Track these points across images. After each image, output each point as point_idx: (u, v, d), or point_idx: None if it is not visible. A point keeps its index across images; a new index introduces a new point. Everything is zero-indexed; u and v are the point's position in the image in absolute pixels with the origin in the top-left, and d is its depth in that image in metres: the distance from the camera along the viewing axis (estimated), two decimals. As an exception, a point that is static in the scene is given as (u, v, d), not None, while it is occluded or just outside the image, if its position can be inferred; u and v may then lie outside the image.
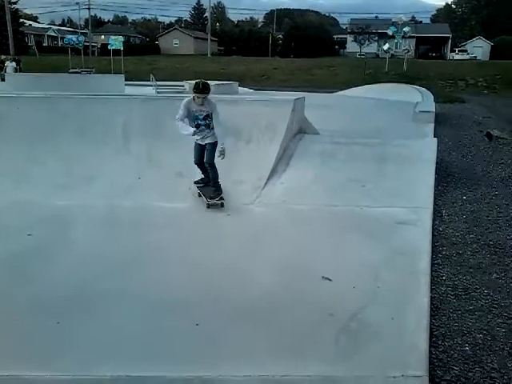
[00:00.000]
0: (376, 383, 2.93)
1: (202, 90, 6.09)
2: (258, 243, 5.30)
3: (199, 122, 6.27)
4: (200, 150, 6.53)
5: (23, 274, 4.48)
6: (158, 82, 18.56)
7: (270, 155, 7.38)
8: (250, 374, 3.02)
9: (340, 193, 6.78)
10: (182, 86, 18.07)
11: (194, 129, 6.23)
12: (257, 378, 2.99)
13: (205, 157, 6.44)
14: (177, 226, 5.84)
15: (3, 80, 19.84)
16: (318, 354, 3.24)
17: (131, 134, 7.62)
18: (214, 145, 6.34)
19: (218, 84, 14.98)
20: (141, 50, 63.37)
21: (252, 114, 7.76)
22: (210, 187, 6.51)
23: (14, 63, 22.95)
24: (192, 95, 6.26)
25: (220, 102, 8.19)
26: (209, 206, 6.34)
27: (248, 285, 4.32)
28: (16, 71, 20.54)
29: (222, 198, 6.39)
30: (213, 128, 6.28)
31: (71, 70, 28.54)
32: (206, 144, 6.40)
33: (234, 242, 5.33)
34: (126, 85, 18.37)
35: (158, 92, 12.79)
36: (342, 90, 25.36)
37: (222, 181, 6.83)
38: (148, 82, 20.12)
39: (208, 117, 6.27)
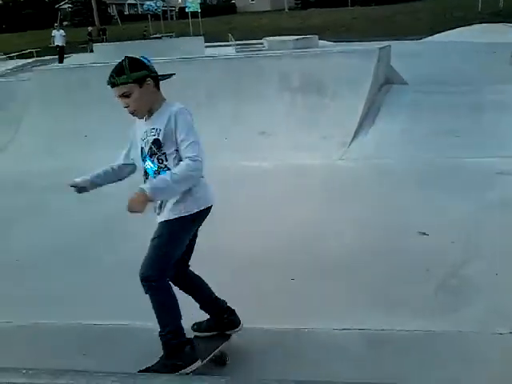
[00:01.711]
0: (482, 339, 2.81)
1: (111, 78, 2.64)
2: (347, 199, 5.20)
3: (145, 166, 2.72)
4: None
5: (118, 234, 4.74)
6: (237, 42, 18.49)
7: (355, 109, 7.15)
8: (348, 327, 3.02)
9: (432, 144, 6.45)
10: (261, 43, 17.87)
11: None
12: (356, 332, 2.98)
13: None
14: (262, 183, 5.86)
15: (92, 51, 20.77)
16: (418, 310, 3.16)
17: (214, 94, 7.69)
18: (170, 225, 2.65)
19: (297, 39, 14.60)
20: (218, 10, 63.23)
21: (335, 68, 7.52)
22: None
23: (61, 31, 21.10)
24: None
25: (301, 56, 8.07)
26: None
27: (338, 241, 4.27)
28: (64, 40, 19.56)
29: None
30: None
31: (152, 36, 29.16)
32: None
33: (321, 199, 5.27)
34: (205, 46, 18.51)
35: (237, 51, 12.75)
36: (429, 35, 23.82)
37: (306, 136, 6.73)
38: (227, 43, 20.13)
39: (158, 146, 2.60)
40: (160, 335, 2.57)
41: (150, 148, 2.60)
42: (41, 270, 4.11)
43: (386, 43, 9.31)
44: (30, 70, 10.31)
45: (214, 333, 2.86)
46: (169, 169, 2.55)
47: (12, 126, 7.97)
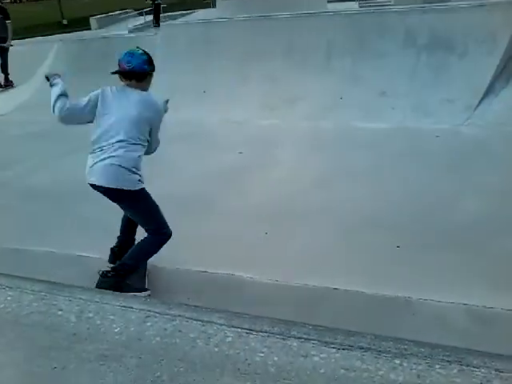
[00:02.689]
0: None
1: (149, 65, 3.28)
2: (468, 167, 4.90)
3: None
4: None
5: (234, 188, 4.92)
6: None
7: (487, 70, 6.56)
8: (453, 301, 2.91)
9: None
10: (387, -2, 16.87)
11: None
12: (461, 307, 2.87)
13: None
14: (377, 146, 5.70)
15: (214, 6, 21.17)
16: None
17: (334, 51, 7.51)
18: None
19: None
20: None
21: (467, 23, 6.91)
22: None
23: None
24: None
25: (430, 11, 7.50)
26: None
27: (455, 210, 4.08)
28: None
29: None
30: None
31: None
32: None
33: (441, 165, 5.02)
34: (328, 1, 17.92)
35: (360, 6, 12.20)
36: None
37: (429, 98, 6.38)
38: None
39: None
40: (124, 263, 3.19)
41: None
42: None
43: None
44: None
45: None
46: None
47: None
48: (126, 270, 3.19)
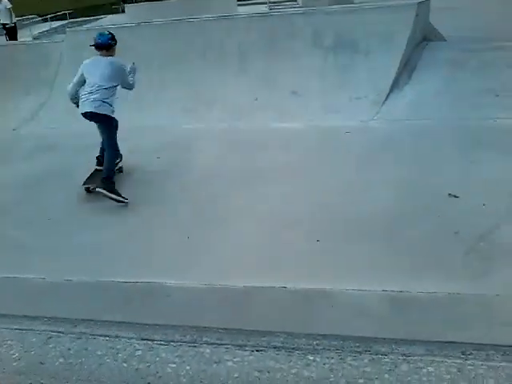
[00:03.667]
0: (509, 303, 2.73)
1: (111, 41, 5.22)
2: (378, 161, 5.09)
3: None
4: None
5: (155, 192, 4.81)
6: (270, 0, 17.99)
7: (390, 67, 6.84)
8: (370, 289, 3.00)
9: (469, 105, 6.17)
10: (295, 1, 17.34)
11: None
12: (378, 293, 2.96)
13: None
14: (294, 145, 5.80)
15: (123, 11, 20.67)
16: (442, 272, 3.10)
17: (247, 53, 7.53)
18: None
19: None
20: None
21: (369, 23, 7.17)
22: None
23: (5, 1, 14.80)
24: None
25: (334, 13, 7.75)
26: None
27: (368, 202, 4.20)
28: (9, 15, 13.68)
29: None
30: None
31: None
32: None
33: (352, 160, 5.18)
34: (238, 5, 18.10)
35: (270, 9, 12.43)
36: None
37: (338, 96, 6.59)
38: (260, 0, 19.61)
39: None
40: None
41: None
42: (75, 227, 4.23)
43: (425, -3, 8.84)
44: (64, 31, 10.34)
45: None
46: None
47: (47, 88, 8.09)
48: (109, 171, 4.88)
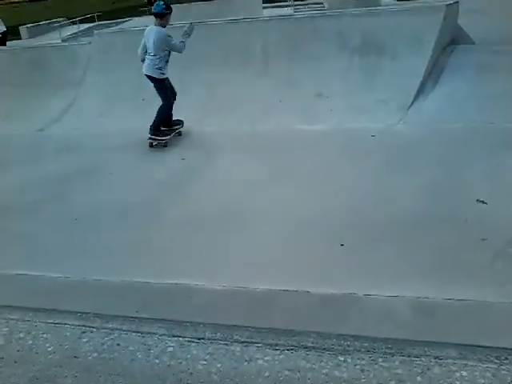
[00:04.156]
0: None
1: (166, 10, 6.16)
2: (405, 165, 5.04)
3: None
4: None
5: (178, 194, 4.86)
6: (296, 1, 18.01)
7: (417, 70, 6.79)
8: (397, 295, 2.97)
9: (499, 108, 6.07)
10: (321, 3, 17.31)
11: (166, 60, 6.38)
12: (405, 299, 2.93)
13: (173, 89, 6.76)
14: (318, 147, 5.78)
15: (151, 14, 20.97)
16: (469, 279, 3.06)
17: (270, 56, 7.56)
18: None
19: (359, -3, 14.01)
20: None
21: (396, 26, 7.14)
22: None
23: None
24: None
25: (361, 15, 7.72)
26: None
27: (393, 206, 4.17)
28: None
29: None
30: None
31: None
32: None
33: (378, 164, 5.13)
34: (263, 7, 18.16)
35: (295, 11, 12.44)
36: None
37: (364, 99, 6.57)
38: (286, 3, 19.64)
39: None
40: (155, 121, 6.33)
41: None
42: (102, 227, 4.29)
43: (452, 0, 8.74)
44: (91, 34, 10.51)
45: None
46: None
47: (74, 89, 8.24)
48: (158, 121, 6.39)
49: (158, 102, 6.64)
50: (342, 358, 1.62)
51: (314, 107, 6.77)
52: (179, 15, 11.24)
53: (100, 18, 16.15)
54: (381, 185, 4.60)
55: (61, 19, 17.87)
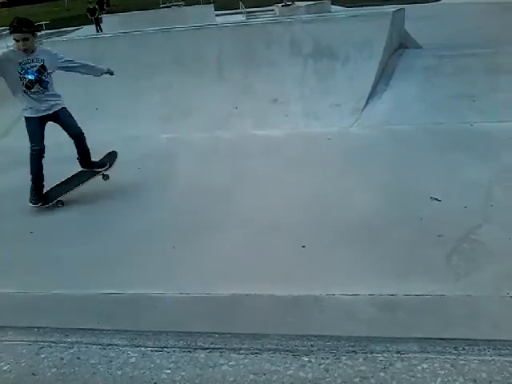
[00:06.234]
0: (493, 303, 2.79)
1: (17, 26, 4.43)
2: (360, 166, 5.15)
3: (30, 78, 4.49)
4: (41, 126, 4.74)
5: (137, 204, 4.77)
6: (248, 9, 18.15)
7: (368, 74, 6.99)
8: (358, 293, 3.01)
9: (447, 110, 6.32)
10: (272, 10, 17.53)
11: (22, 92, 4.56)
12: (366, 298, 2.97)
13: (69, 128, 4.92)
14: (274, 152, 5.83)
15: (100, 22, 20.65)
16: (427, 274, 3.14)
17: (225, 62, 7.59)
18: (66, 110, 4.85)
19: (309, 4, 14.30)
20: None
21: (347, 32, 7.33)
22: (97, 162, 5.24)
23: None
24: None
25: (312, 22, 7.88)
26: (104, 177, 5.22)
27: (351, 207, 4.25)
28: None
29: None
30: (53, 88, 4.73)
31: (162, 5, 28.75)
32: (54, 112, 4.76)
33: (334, 166, 5.23)
34: (216, 15, 18.22)
35: (247, 18, 12.52)
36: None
37: (319, 104, 6.66)
38: (238, 10, 19.78)
39: (44, 70, 4.55)
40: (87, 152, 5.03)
41: (38, 70, 4.50)
42: (56, 241, 4.17)
43: (399, 6, 9.05)
44: (40, 43, 10.23)
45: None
46: (48, 82, 4.61)
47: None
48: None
49: (110, 108, 6.50)
50: (307, 359, 1.63)
51: (270, 113, 6.83)
52: (135, 24, 11.12)
53: (48, 27, 15.75)
54: (338, 187, 4.68)
55: (5, 28, 17.33)
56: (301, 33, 7.55)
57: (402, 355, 1.61)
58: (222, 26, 8.64)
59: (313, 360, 1.63)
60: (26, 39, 4.37)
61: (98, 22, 21.03)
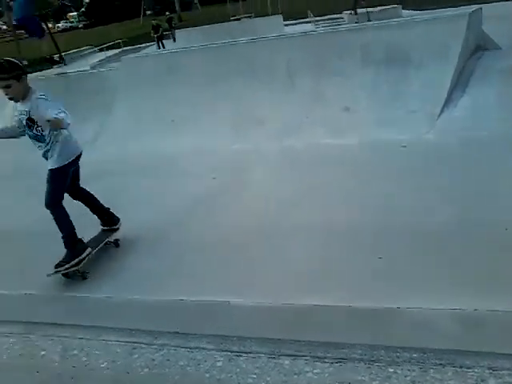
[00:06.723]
0: None
1: None
2: (438, 174, 5.00)
3: (28, 133, 3.92)
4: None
5: (212, 213, 4.90)
6: (316, 17, 18.17)
7: (444, 79, 6.76)
8: (439, 308, 2.92)
9: (530, 114, 5.99)
10: (342, 18, 17.42)
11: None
12: (448, 312, 2.88)
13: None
14: (348, 161, 5.78)
15: (175, 41, 21.47)
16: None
17: (296, 72, 7.62)
18: (50, 172, 3.97)
19: (380, 10, 14.07)
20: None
21: (420, 37, 7.14)
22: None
23: None
24: None
25: (384, 28, 7.75)
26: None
27: (431, 217, 4.13)
28: None
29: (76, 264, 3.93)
30: (52, 143, 3.89)
31: (232, 18, 29.37)
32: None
33: (411, 175, 5.10)
34: (284, 25, 18.37)
35: (316, 27, 12.53)
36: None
37: (392, 111, 6.52)
38: (306, 19, 19.83)
39: (33, 123, 3.80)
40: (62, 237, 3.97)
41: (27, 123, 3.82)
42: (140, 250, 4.36)
43: (475, 7, 8.69)
44: (119, 59, 10.80)
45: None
46: (43, 135, 3.83)
47: (104, 113, 8.43)
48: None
49: (188, 122, 6.69)
50: (392, 370, 1.61)
51: (342, 121, 6.78)
52: (206, 37, 11.43)
53: (125, 44, 16.61)
54: (417, 196, 4.56)
55: (88, 47, 18.44)
56: (372, 39, 7.45)
57: (495, 371, 1.55)
58: (292, 36, 8.68)
59: (398, 371, 1.61)
60: (7, 86, 3.67)
61: (160, 39, 21.90)
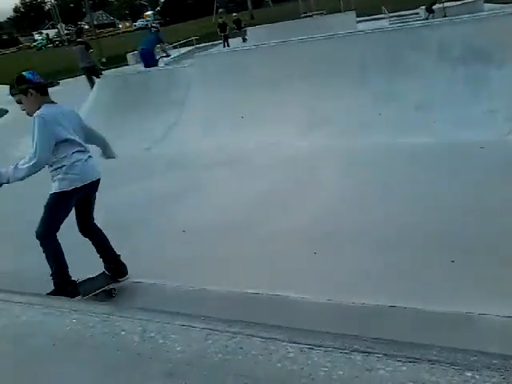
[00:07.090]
0: None
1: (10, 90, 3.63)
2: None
3: None
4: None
5: (279, 208, 4.93)
6: (391, 13, 17.73)
7: (528, 77, 6.40)
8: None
9: None
10: (417, 13, 16.90)
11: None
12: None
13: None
14: (422, 161, 5.62)
15: (244, 41, 21.63)
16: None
17: (367, 69, 7.51)
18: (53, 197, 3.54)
19: (459, 4, 13.51)
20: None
21: (503, 32, 6.79)
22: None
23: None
24: None
25: (463, 23, 7.43)
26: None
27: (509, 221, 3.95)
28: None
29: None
30: (58, 166, 3.51)
31: (303, 15, 29.29)
32: None
33: (489, 178, 4.89)
34: (357, 21, 18.08)
35: (390, 23, 12.23)
36: None
37: (470, 110, 6.26)
38: (380, 15, 19.42)
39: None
40: (51, 275, 3.48)
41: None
42: (209, 240, 4.49)
43: None
44: (192, 56, 11.09)
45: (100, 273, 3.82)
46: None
47: (177, 109, 8.70)
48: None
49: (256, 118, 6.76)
50: (470, 374, 1.55)
51: (416, 120, 6.60)
52: (277, 34, 11.50)
53: (198, 42, 17.03)
54: (493, 198, 4.41)
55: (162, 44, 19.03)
56: (450, 35, 7.18)
57: None
58: (364, 33, 8.53)
59: (477, 376, 1.55)
60: (18, 102, 3.59)
61: (226, 39, 21.84)
